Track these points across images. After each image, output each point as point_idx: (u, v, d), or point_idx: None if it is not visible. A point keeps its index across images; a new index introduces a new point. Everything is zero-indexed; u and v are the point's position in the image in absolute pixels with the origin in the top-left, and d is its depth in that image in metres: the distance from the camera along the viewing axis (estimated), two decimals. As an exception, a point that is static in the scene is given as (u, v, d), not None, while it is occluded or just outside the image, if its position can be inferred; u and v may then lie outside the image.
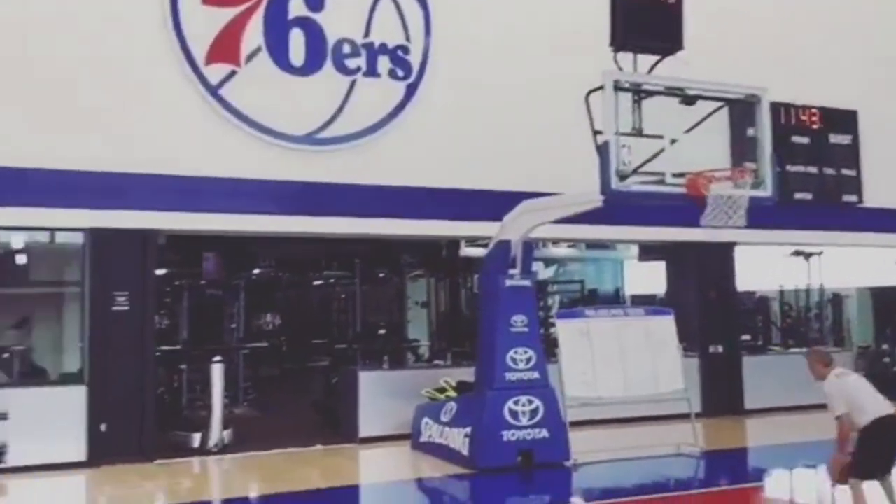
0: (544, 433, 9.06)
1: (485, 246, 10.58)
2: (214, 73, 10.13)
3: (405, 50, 11.15)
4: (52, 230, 10.20)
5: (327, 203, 10.68)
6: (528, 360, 9.23)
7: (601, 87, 7.79)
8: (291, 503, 8.08)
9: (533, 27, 11.77)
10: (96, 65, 9.62)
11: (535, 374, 9.24)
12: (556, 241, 14.17)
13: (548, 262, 16.46)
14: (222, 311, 15.06)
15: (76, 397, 9.36)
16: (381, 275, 15.93)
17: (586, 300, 16.16)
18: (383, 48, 11.01)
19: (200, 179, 10.02)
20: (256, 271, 15.39)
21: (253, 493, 8.69)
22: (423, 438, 9.99)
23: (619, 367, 9.83)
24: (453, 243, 14.07)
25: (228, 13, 10.24)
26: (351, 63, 10.85)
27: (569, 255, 16.67)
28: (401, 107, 11.10)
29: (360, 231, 11.48)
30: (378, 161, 10.93)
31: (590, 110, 7.97)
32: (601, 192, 7.89)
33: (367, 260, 15.27)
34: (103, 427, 9.35)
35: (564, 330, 9.93)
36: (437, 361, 12.05)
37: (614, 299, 16.76)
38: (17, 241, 10.73)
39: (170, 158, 9.89)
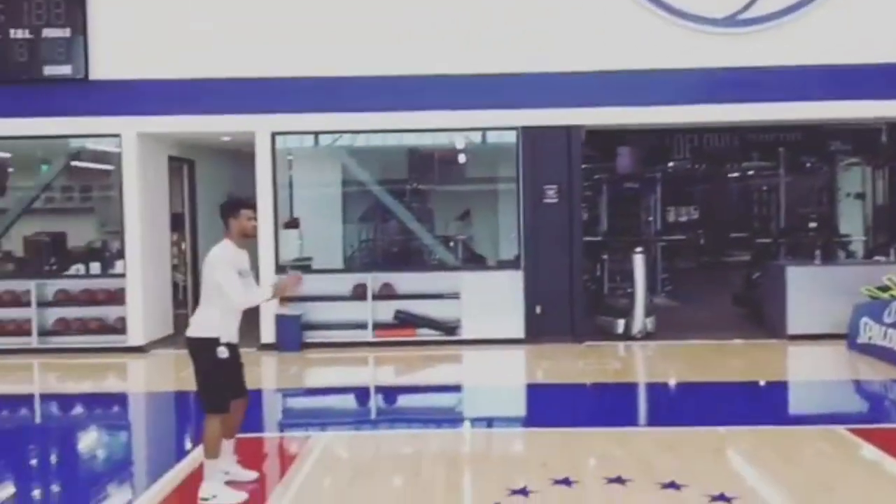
0: None
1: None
2: (632, -40, 10.06)
3: None
4: (491, 130, 11.12)
5: (748, 89, 10.15)
6: None
7: None
8: (723, 392, 8.15)
9: None
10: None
11: None
12: None
13: None
14: (639, 204, 15.30)
15: (514, 281, 10.38)
16: (808, 164, 14.73)
17: None
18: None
19: (620, 73, 10.16)
20: (672, 164, 15.24)
21: (682, 379, 8.89)
22: (861, 339, 9.30)
23: None
24: (894, 126, 12.48)
25: None
26: (778, -67, 9.95)
27: None
28: (835, -25, 9.95)
29: (785, 117, 10.83)
30: (806, 39, 10.07)
31: None
32: None
33: (792, 148, 14.23)
34: (538, 309, 10.29)
35: None
36: (877, 258, 10.96)
37: None
38: (459, 142, 11.96)
39: (589, 54, 10.15)
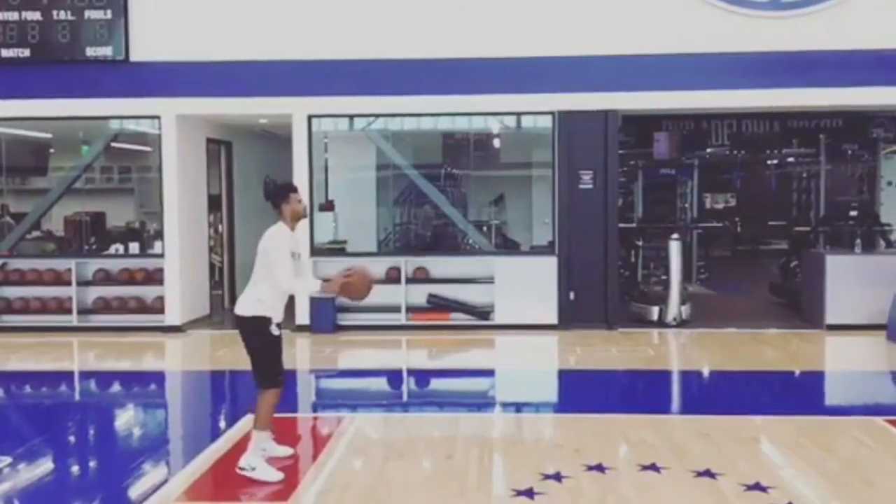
0: None
1: None
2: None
3: None
4: (526, 114, 11.04)
5: (790, 74, 9.99)
6: None
7: None
8: (759, 381, 8.08)
9: None
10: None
11: None
12: None
13: None
14: (675, 191, 15.14)
15: (548, 267, 10.34)
16: (850, 151, 14.45)
17: None
18: None
19: (657, 56, 10.04)
20: (709, 150, 15.04)
21: (717, 367, 8.81)
22: (902, 330, 9.14)
23: None
24: (941, 115, 12.22)
25: None
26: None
27: None
28: (883, -42, 9.72)
29: (826, 103, 10.66)
30: (851, 23, 9.88)
31: None
32: None
33: (833, 135, 13.96)
34: (572, 295, 10.25)
35: None
36: (919, 247, 10.76)
37: None
38: (494, 126, 11.91)
39: (627, 38, 10.04)
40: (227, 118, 11.41)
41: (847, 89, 10.02)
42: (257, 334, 5.17)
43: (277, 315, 5.23)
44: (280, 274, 5.09)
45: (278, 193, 5.32)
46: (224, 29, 10.20)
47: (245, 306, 5.22)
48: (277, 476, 5.12)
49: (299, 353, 9.21)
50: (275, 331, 5.19)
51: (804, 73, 9.99)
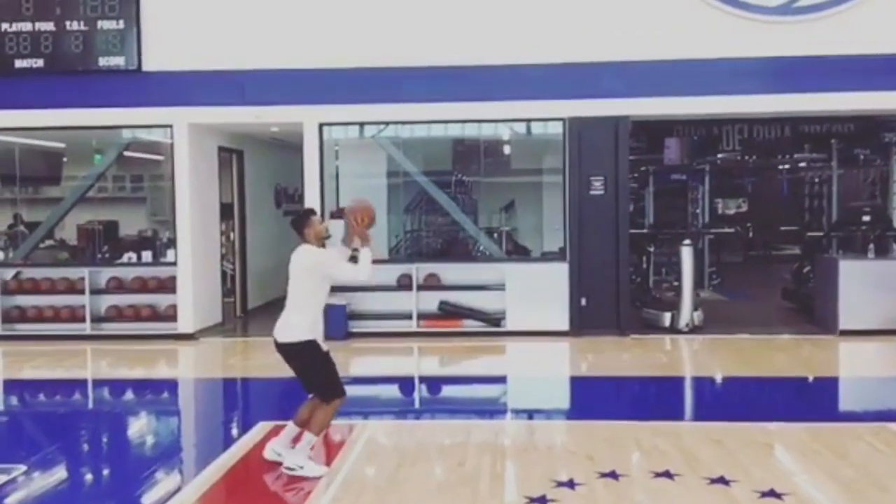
0: None
1: None
2: (684, -50, 9.91)
3: None
4: (536, 121, 11.04)
5: (801, 79, 9.97)
6: None
7: None
8: (772, 387, 8.03)
9: None
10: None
11: None
12: None
13: None
14: (686, 196, 15.11)
15: (559, 273, 10.33)
16: (862, 156, 14.38)
17: None
18: None
19: (668, 62, 10.03)
20: (720, 155, 15.00)
21: (730, 374, 8.76)
22: (916, 335, 9.08)
23: None
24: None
25: None
26: (836, -83, 9.72)
27: None
28: (895, -38, 9.70)
29: (838, 108, 10.60)
30: (862, 28, 9.86)
31: None
32: None
33: (845, 140, 13.90)
34: (583, 301, 10.23)
35: None
36: (935, 252, 10.70)
37: None
38: (504, 133, 11.92)
39: (637, 44, 10.04)
40: (238, 127, 11.47)
41: (859, 93, 9.99)
42: (308, 356, 5.28)
43: (319, 335, 5.33)
44: (357, 274, 5.28)
45: (299, 221, 5.44)
46: (235, 38, 10.26)
47: (287, 332, 5.30)
48: (323, 470, 5.33)
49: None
50: (323, 346, 5.32)
51: (815, 78, 9.96)
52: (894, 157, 14.18)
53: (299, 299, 5.31)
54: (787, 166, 17.49)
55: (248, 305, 12.69)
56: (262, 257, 12.91)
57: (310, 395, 5.48)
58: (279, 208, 13.83)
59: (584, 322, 10.22)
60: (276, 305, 12.72)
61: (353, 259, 5.44)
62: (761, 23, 9.99)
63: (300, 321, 5.25)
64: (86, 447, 6.56)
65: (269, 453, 5.56)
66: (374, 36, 10.18)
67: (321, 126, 10.47)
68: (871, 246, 10.47)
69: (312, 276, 5.29)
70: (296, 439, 5.46)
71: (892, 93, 9.98)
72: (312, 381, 5.36)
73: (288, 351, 5.32)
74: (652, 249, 12.88)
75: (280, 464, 5.38)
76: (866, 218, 11.27)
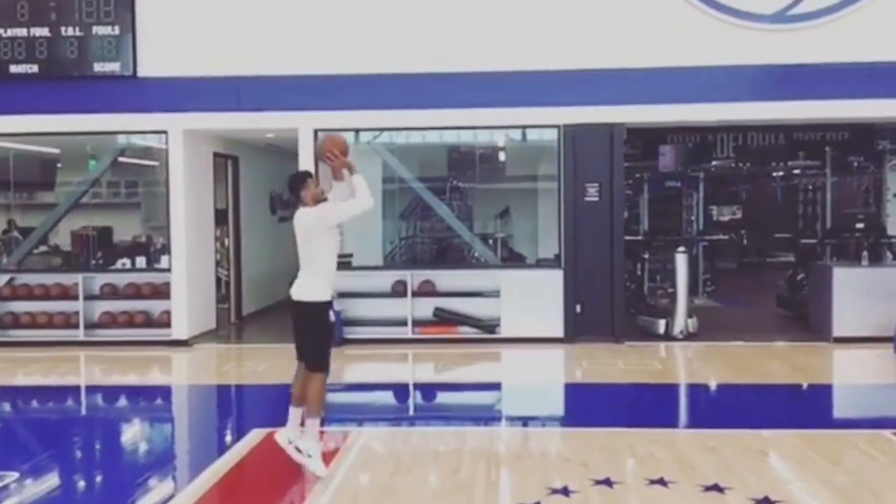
0: None
1: None
2: (679, -42, 9.95)
3: None
4: (531, 127, 11.06)
5: (795, 86, 10.01)
6: None
7: None
8: (767, 395, 8.05)
9: None
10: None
11: None
12: None
13: None
14: (681, 203, 15.14)
15: (554, 280, 10.33)
16: (855, 164, 14.43)
17: None
18: None
19: (662, 70, 10.05)
20: (715, 162, 15.05)
21: (725, 381, 8.77)
22: (910, 342, 9.10)
23: None
24: (947, 125, 12.20)
25: None
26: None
27: None
28: (888, -30, 9.75)
29: (832, 115, 10.64)
30: (857, 35, 9.90)
31: None
32: None
33: (838, 147, 13.95)
34: (578, 308, 10.23)
35: None
36: (928, 260, 10.71)
37: None
38: (499, 139, 11.93)
39: (632, 52, 10.06)
40: (233, 133, 11.47)
41: (853, 101, 10.02)
42: (316, 319, 5.48)
43: (332, 292, 5.59)
44: (353, 205, 5.43)
45: (296, 182, 5.59)
46: (230, 44, 10.26)
47: (304, 291, 5.48)
48: (325, 472, 5.39)
49: (305, 367, 9.19)
50: (332, 317, 5.60)
51: (809, 86, 10.00)
52: (888, 164, 14.25)
53: (311, 260, 5.49)
54: (781, 173, 17.54)
55: (242, 312, 12.67)
56: (256, 263, 12.90)
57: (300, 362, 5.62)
58: (274, 214, 13.82)
59: (578, 329, 10.23)
60: (270, 312, 12.83)
61: None
62: (755, 30, 10.03)
63: (316, 282, 5.47)
64: (79, 454, 6.52)
65: (281, 439, 5.59)
66: (370, 42, 10.19)
67: (316, 132, 10.46)
68: (865, 253, 10.50)
69: (318, 232, 5.45)
70: (303, 423, 5.57)
71: (885, 100, 10.02)
72: (308, 345, 5.53)
73: (300, 309, 5.50)
74: (647, 256, 12.90)
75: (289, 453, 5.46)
76: (860, 225, 11.29)
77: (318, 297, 5.46)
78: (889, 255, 11.72)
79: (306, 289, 5.47)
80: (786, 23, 9.98)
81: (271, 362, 9.40)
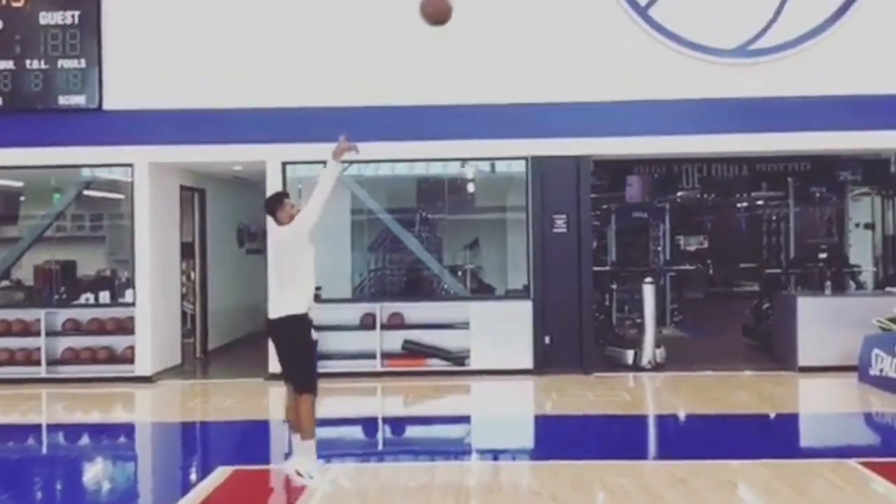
0: None
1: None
2: (644, -8, 10.15)
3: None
4: (499, 159, 11.12)
5: (758, 119, 10.20)
6: None
7: None
8: (729, 425, 8.08)
9: None
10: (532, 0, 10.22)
11: None
12: None
13: None
14: (648, 234, 15.29)
15: (523, 311, 10.34)
16: (818, 194, 14.71)
17: None
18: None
19: (628, 103, 10.20)
20: (680, 193, 15.25)
21: (690, 412, 8.81)
22: (872, 371, 9.22)
23: None
24: (903, 156, 12.50)
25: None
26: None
27: None
28: (847, 6, 10.01)
29: (794, 147, 10.82)
30: (817, 69, 10.15)
31: None
32: None
33: (801, 178, 14.22)
34: (547, 339, 10.24)
35: None
36: (888, 289, 10.88)
37: None
38: (468, 171, 11.98)
39: (600, 85, 10.19)
40: (200, 166, 11.40)
41: (814, 133, 10.22)
42: (300, 335, 5.52)
43: (311, 304, 5.64)
44: (315, 198, 5.56)
45: (273, 202, 5.80)
46: (197, 77, 10.23)
47: (285, 307, 5.55)
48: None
49: (272, 402, 9.07)
50: (314, 335, 5.57)
51: (771, 118, 10.20)
52: (849, 194, 14.53)
53: (290, 275, 5.59)
54: (745, 204, 17.81)
55: (208, 346, 12.50)
56: (223, 297, 12.76)
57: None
58: (242, 247, 13.72)
59: (547, 360, 10.23)
60: (237, 346, 12.68)
61: None
62: (719, 65, 10.23)
63: (294, 297, 5.53)
64: (40, 495, 6.35)
65: (290, 469, 5.67)
66: (338, 75, 10.22)
67: (284, 165, 10.44)
68: (829, 283, 10.66)
69: (296, 244, 5.58)
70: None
71: (845, 132, 10.22)
72: (295, 364, 5.57)
73: (281, 327, 5.54)
74: (615, 287, 12.98)
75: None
76: (823, 255, 11.49)
77: (298, 310, 5.53)
78: (852, 284, 11.94)
79: (286, 304, 5.55)
80: (747, 57, 10.20)
81: (237, 398, 9.27)
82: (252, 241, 13.75)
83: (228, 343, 12.89)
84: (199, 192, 12.30)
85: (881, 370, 9.09)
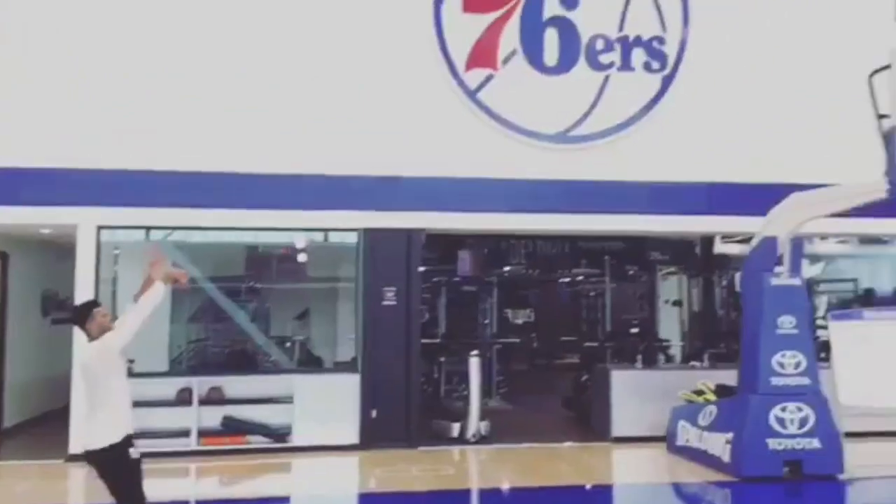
0: (815, 443, 8.49)
1: (742, 242, 10.09)
2: (473, 77, 10.54)
3: (661, 41, 10.90)
4: (331, 231, 11.01)
5: (577, 200, 10.73)
6: (797, 364, 8.68)
7: (888, 67, 7.13)
8: (548, 498, 8.21)
9: (800, 14, 11.07)
10: (366, 76, 10.34)
11: (805, 380, 8.68)
12: (824, 237, 13.09)
13: (812, 258, 15.24)
14: (476, 307, 15.61)
15: (350, 385, 10.16)
16: (631, 272, 15.65)
17: (860, 301, 14.75)
18: (638, 41, 10.86)
19: (460, 180, 10.45)
20: (508, 268, 15.75)
21: (509, 485, 8.90)
22: (679, 442, 9.72)
23: (901, 376, 8.92)
24: (707, 239, 13.50)
25: (487, 19, 10.58)
26: (604, 59, 10.81)
27: (839, 251, 15.30)
28: (655, 100, 10.88)
29: (608, 228, 11.41)
30: (630, 156, 10.85)
31: (873, 92, 7.32)
32: (889, 183, 7.22)
33: (616, 257, 15.09)
34: (374, 413, 10.08)
35: (839, 332, 9.16)
36: (692, 363, 11.62)
37: (893, 300, 15.14)
38: (299, 240, 11.79)
39: (432, 161, 10.40)
40: (7, 228, 10.51)
41: (626, 216, 10.85)
42: (119, 462, 5.02)
43: (130, 427, 5.14)
44: (129, 322, 5.10)
45: (81, 314, 5.22)
46: (6, 134, 9.52)
47: (99, 437, 5.02)
48: None
49: (72, 488, 8.31)
50: (134, 454, 5.06)
51: (588, 200, 10.74)
52: (658, 273, 15.54)
53: (102, 401, 5.06)
54: (567, 280, 18.63)
55: (3, 423, 11.35)
56: (23, 369, 11.67)
57: None
58: (46, 316, 12.67)
59: (374, 434, 10.05)
60: (38, 422, 11.58)
61: None
62: (540, 148, 10.71)
63: (108, 424, 5.02)
64: None
65: None
66: (160, 138, 9.83)
67: (99, 229, 9.83)
68: (640, 356, 11.24)
69: (102, 368, 5.04)
70: None
71: (655, 216, 10.90)
72: (117, 487, 5.11)
73: (97, 460, 5.03)
74: (443, 359, 13.07)
75: None
76: (635, 330, 12.13)
77: (114, 439, 5.01)
78: (661, 357, 12.66)
79: (100, 433, 5.04)
80: (567, 143, 10.78)
81: (34, 482, 8.41)
82: (58, 310, 12.73)
83: (29, 420, 11.78)
84: (2, 255, 11.32)
85: (686, 440, 9.59)
